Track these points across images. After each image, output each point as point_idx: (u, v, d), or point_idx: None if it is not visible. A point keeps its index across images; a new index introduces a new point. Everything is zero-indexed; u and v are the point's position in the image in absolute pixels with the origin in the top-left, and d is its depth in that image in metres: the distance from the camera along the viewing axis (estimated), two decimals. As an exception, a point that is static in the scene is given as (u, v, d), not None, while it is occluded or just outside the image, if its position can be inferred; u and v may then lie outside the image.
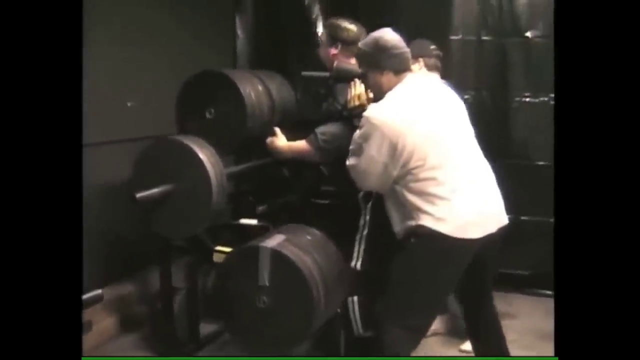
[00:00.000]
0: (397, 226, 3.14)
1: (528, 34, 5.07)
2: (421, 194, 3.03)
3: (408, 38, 3.43)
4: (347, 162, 3.19)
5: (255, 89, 3.84)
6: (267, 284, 3.24)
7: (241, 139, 3.80)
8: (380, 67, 3.20)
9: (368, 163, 3.09)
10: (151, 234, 3.64)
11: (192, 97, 3.79)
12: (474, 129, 3.90)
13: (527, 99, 5.09)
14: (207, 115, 3.74)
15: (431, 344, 4.28)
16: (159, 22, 4.64)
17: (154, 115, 4.37)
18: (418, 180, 3.03)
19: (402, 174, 3.05)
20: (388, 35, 3.23)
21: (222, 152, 3.61)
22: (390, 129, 3.03)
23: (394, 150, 3.02)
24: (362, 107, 3.33)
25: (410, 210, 3.06)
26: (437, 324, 4.34)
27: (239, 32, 5.55)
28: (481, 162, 3.25)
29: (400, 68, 3.21)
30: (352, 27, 3.83)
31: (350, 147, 3.19)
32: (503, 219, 3.23)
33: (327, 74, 3.72)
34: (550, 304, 4.80)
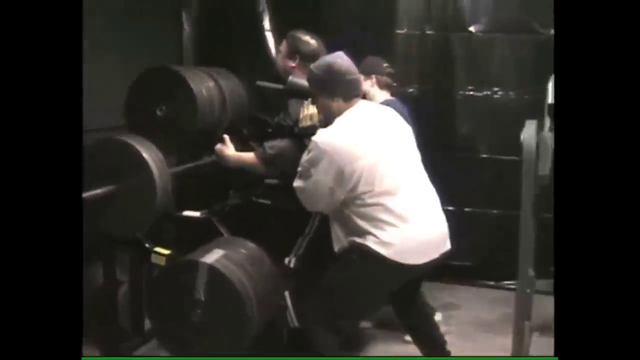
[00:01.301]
0: (338, 244, 3.18)
1: (471, 28, 5.13)
2: (369, 219, 3.05)
3: (354, 33, 3.46)
4: (295, 184, 3.20)
5: (206, 86, 3.82)
6: (203, 298, 3.25)
7: (192, 136, 3.77)
8: (331, 93, 3.20)
9: (315, 187, 3.10)
10: (95, 230, 3.60)
11: (143, 94, 3.74)
12: (419, 122, 3.98)
13: (471, 93, 5.16)
14: (158, 113, 3.70)
15: (377, 335, 4.34)
16: (105, 17, 4.58)
17: (100, 111, 4.31)
18: (366, 205, 3.06)
19: (350, 198, 3.08)
20: (340, 60, 3.23)
21: (173, 149, 3.58)
22: (338, 155, 3.05)
23: (342, 175, 3.04)
24: (313, 127, 3.36)
25: (354, 231, 3.09)
26: (383, 315, 4.41)
27: (185, 26, 5.50)
28: (427, 187, 3.28)
29: (351, 95, 3.22)
30: (313, 42, 3.80)
31: (299, 169, 3.20)
32: (447, 245, 3.27)
33: (280, 86, 3.72)
34: (492, 294, 5.03)
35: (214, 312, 3.27)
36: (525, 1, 5.07)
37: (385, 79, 4.32)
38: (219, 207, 3.90)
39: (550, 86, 3.73)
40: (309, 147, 3.14)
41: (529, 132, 3.64)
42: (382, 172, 3.07)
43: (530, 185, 3.62)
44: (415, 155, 3.30)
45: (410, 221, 3.07)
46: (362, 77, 3.45)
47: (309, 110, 3.45)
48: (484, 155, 5.15)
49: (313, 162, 3.09)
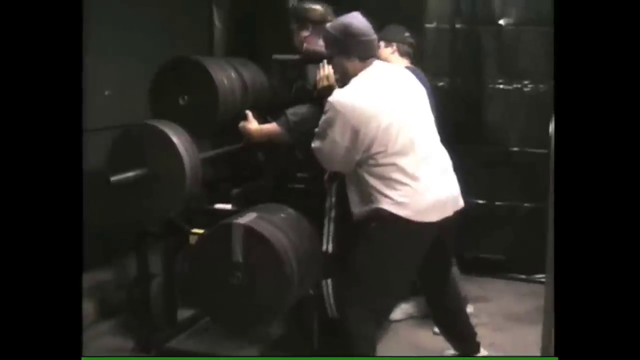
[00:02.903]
0: (356, 208, 3.23)
1: (501, 21, 5.11)
2: (382, 178, 3.12)
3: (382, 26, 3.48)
4: (312, 145, 3.27)
5: (227, 76, 3.89)
6: (241, 260, 3.27)
7: (215, 125, 3.85)
8: (347, 53, 3.25)
9: (331, 147, 3.17)
10: (128, 222, 3.68)
11: (166, 84, 3.82)
12: (449, 116, 3.99)
13: (501, 86, 5.14)
14: (181, 102, 3.78)
15: (406, 327, 4.36)
16: (136, 12, 4.65)
17: (130, 105, 4.38)
18: (379, 165, 3.12)
19: (364, 158, 3.14)
20: (357, 21, 3.27)
21: (196, 137, 3.64)
22: (353, 116, 3.10)
23: (356, 136, 3.10)
24: (330, 88, 3.38)
25: (370, 193, 3.14)
26: (412, 307, 4.42)
27: (216, 22, 5.55)
28: (439, 148, 3.34)
29: (367, 55, 3.27)
30: (317, 6, 3.89)
31: (316, 130, 3.26)
32: (459, 203, 3.35)
33: (297, 56, 3.81)
34: (520, 287, 5.02)
35: (253, 274, 3.28)
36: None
37: (406, 47, 4.36)
38: (248, 193, 3.95)
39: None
40: (326, 108, 3.20)
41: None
42: (396, 132, 3.12)
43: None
44: (429, 117, 3.35)
45: (422, 180, 3.14)
46: (381, 42, 3.45)
47: (326, 71, 3.49)
48: (515, 149, 5.13)
49: (329, 123, 3.16)
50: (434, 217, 3.17)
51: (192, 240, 3.63)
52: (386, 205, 3.10)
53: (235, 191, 3.88)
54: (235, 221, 3.32)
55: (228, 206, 3.80)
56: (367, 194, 3.16)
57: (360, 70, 3.25)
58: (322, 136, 3.21)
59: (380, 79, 3.25)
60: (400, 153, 3.13)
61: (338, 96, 3.18)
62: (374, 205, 3.13)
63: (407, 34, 4.38)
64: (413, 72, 3.93)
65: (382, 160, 3.12)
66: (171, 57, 3.89)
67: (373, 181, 3.13)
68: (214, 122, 3.83)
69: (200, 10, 5.46)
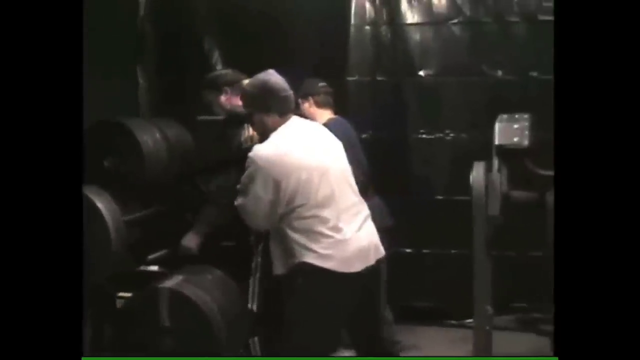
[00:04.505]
0: (279, 263, 3.24)
1: (421, 72, 5.24)
2: (305, 231, 3.15)
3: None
4: (235, 202, 3.29)
5: (152, 137, 3.89)
6: (168, 324, 3.23)
7: (141, 185, 3.82)
8: (267, 109, 3.30)
9: (255, 202, 3.19)
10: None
11: (90, 147, 3.77)
12: (374, 167, 4.04)
13: (424, 136, 5.24)
14: (106, 164, 3.75)
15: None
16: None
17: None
18: (302, 218, 3.15)
19: (286, 212, 3.17)
20: (274, 77, 3.34)
21: (123, 199, 3.62)
22: (274, 169, 3.15)
23: (278, 188, 3.13)
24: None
25: (293, 248, 3.16)
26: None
27: (140, 79, 5.56)
28: (357, 198, 3.38)
29: (285, 110, 3.33)
30: (227, 70, 4.06)
31: (238, 186, 3.29)
32: (381, 250, 3.38)
33: (220, 116, 3.87)
34: (452, 333, 5.05)
35: (182, 338, 3.26)
36: (473, 44, 5.19)
37: (322, 97, 4.42)
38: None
39: (497, 127, 3.83)
40: (247, 164, 3.22)
41: (477, 173, 3.72)
42: (317, 185, 3.17)
43: (481, 225, 3.69)
44: (346, 169, 3.40)
45: (344, 230, 3.18)
46: (299, 99, 3.51)
47: (250, 132, 3.54)
48: (440, 197, 5.22)
49: (251, 178, 3.19)
50: (358, 266, 3.20)
51: (119, 304, 3.58)
52: (310, 258, 3.13)
53: (156, 255, 3.85)
54: (161, 285, 3.29)
55: (154, 268, 3.77)
56: (290, 249, 3.17)
57: (280, 125, 3.30)
58: (245, 192, 3.23)
59: (299, 134, 3.31)
60: (322, 205, 3.17)
61: (258, 151, 3.22)
62: (298, 260, 3.15)
63: (321, 84, 4.45)
64: (338, 122, 4.03)
65: (304, 213, 3.15)
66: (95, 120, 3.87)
67: (296, 236, 3.16)
68: (140, 183, 3.82)
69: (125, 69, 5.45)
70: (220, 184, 3.69)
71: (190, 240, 3.80)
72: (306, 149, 3.26)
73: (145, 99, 5.58)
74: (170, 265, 3.75)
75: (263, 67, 3.61)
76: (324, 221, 3.15)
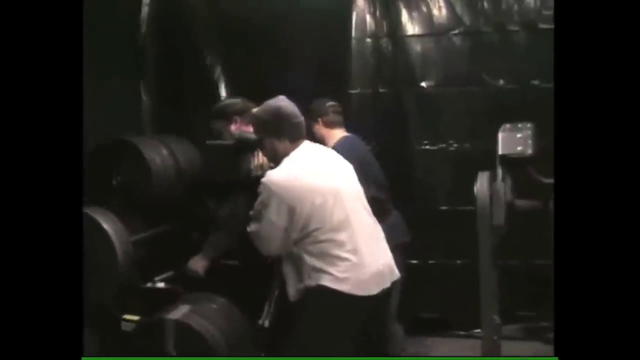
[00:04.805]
0: (292, 287, 3.22)
1: (422, 83, 5.24)
2: (321, 255, 3.14)
3: (307, 96, 3.54)
4: (248, 229, 3.27)
5: (160, 154, 3.90)
6: (174, 354, 3.25)
7: (148, 204, 3.83)
8: (278, 135, 3.31)
9: (268, 228, 3.18)
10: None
11: (98, 166, 3.80)
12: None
13: (427, 147, 5.24)
14: (114, 182, 3.76)
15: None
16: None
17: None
18: (318, 242, 3.14)
19: (301, 237, 3.16)
20: (285, 104, 3.35)
21: (130, 217, 3.63)
22: (287, 194, 3.14)
23: (293, 213, 3.13)
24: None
25: (309, 272, 3.15)
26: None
27: (144, 96, 5.57)
28: (372, 220, 3.39)
29: (297, 136, 3.34)
30: (235, 99, 4.05)
31: (251, 213, 3.27)
32: (395, 272, 3.38)
33: (230, 142, 3.82)
34: (463, 343, 5.04)
35: None
36: (474, 54, 5.20)
37: (331, 116, 4.42)
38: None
39: (500, 136, 3.83)
40: (259, 190, 3.21)
41: (481, 183, 3.72)
42: (331, 208, 3.17)
43: (486, 235, 3.69)
44: (359, 191, 3.40)
45: (362, 253, 3.17)
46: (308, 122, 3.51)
47: (260, 159, 3.53)
48: (444, 207, 5.22)
49: (264, 204, 3.18)
50: (374, 289, 3.20)
51: (125, 327, 3.58)
52: (327, 282, 3.11)
53: (164, 275, 3.86)
54: (167, 316, 3.29)
55: (161, 285, 3.77)
56: (305, 273, 3.16)
57: (290, 151, 3.30)
58: (258, 218, 3.22)
59: (310, 158, 3.32)
60: (337, 229, 3.16)
61: (271, 176, 3.21)
62: (314, 283, 3.13)
63: (329, 104, 4.45)
64: (352, 140, 4.02)
65: (320, 237, 3.14)
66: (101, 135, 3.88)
67: (311, 260, 3.14)
68: (148, 201, 3.83)
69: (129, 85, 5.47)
70: (232, 211, 3.68)
71: (197, 264, 3.81)
72: (319, 173, 3.27)
73: (149, 115, 5.58)
74: (176, 283, 3.75)
75: (265, 81, 3.63)
76: (340, 244, 3.15)
